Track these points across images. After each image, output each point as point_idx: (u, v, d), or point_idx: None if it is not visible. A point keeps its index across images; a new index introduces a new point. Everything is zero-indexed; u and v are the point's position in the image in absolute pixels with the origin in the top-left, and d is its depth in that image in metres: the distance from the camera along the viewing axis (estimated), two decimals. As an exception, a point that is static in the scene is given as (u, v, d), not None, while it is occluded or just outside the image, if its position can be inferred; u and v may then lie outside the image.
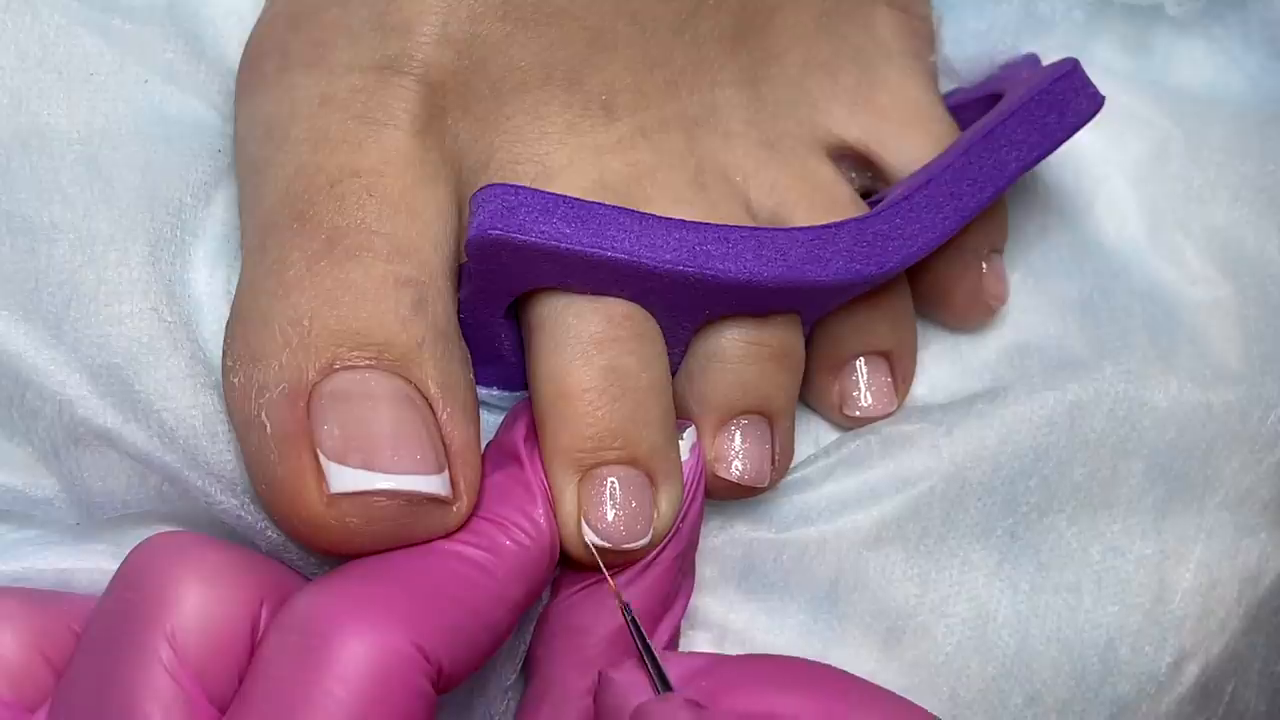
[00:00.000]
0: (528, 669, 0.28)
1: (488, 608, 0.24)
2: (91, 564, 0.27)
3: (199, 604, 0.23)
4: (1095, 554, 0.31)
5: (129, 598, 0.23)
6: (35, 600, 0.25)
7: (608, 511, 0.26)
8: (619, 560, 0.27)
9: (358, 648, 0.22)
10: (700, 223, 0.27)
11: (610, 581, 0.27)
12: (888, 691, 0.25)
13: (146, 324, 0.26)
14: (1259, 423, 0.31)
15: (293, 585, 0.25)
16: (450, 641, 0.23)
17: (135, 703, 0.22)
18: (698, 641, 0.30)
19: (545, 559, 0.26)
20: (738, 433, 0.29)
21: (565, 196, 0.27)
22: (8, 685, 0.24)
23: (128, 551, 0.25)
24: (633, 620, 0.26)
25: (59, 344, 0.26)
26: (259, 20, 0.30)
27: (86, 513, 0.27)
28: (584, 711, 0.26)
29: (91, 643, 0.24)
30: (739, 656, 0.27)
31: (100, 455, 0.26)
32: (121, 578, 0.24)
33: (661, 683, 0.25)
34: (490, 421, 0.30)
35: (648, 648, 0.25)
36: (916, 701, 0.29)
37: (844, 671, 0.25)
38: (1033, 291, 0.34)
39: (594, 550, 0.27)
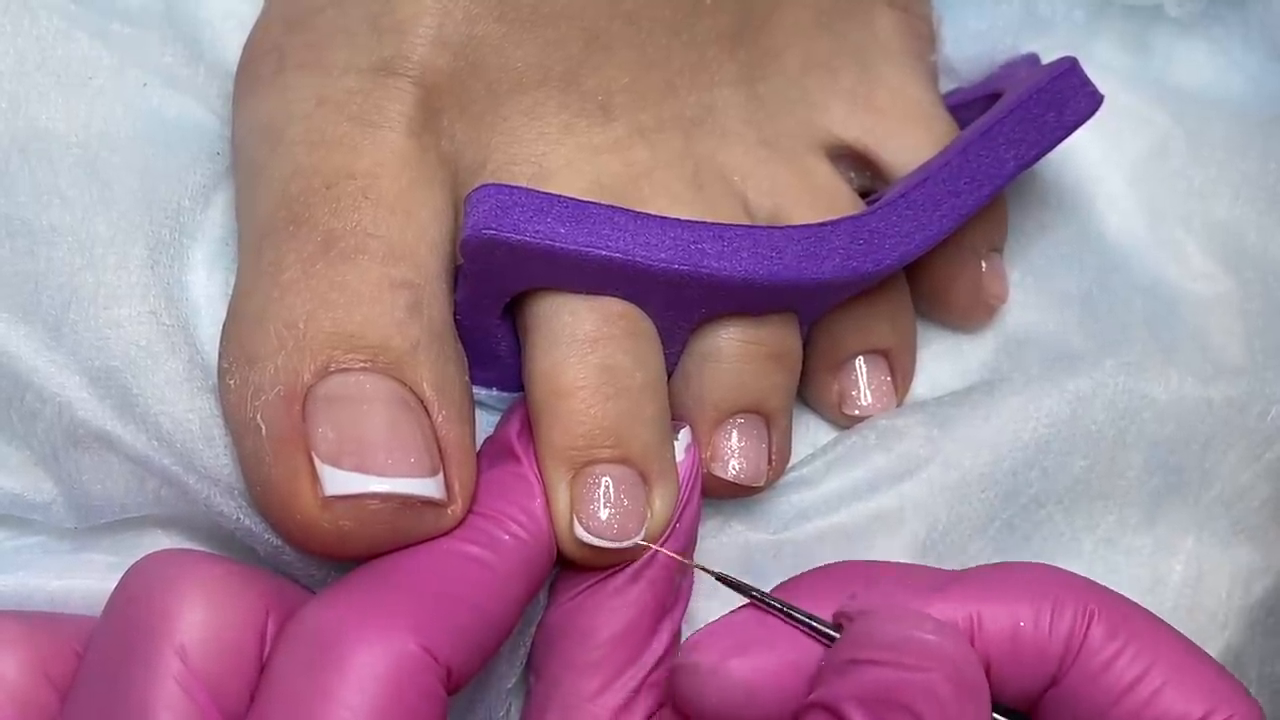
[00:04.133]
0: (531, 674, 0.28)
1: (490, 604, 0.25)
2: (87, 580, 0.27)
3: (206, 617, 0.23)
4: (1088, 544, 0.31)
5: (134, 614, 0.23)
6: (36, 622, 0.25)
7: (600, 509, 0.26)
8: (613, 560, 0.27)
9: (369, 655, 0.22)
10: (696, 221, 0.27)
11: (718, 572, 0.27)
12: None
13: (145, 327, 0.27)
14: (1259, 418, 0.31)
15: (295, 597, 0.25)
16: (457, 641, 0.23)
17: (151, 717, 0.22)
18: (699, 644, 0.30)
19: (544, 551, 0.26)
20: (734, 432, 0.29)
21: (560, 196, 0.27)
22: (14, 709, 0.24)
23: (126, 560, 0.25)
24: (758, 593, 0.26)
25: (58, 346, 0.26)
26: (257, 23, 0.30)
27: (85, 516, 0.27)
28: (593, 716, 0.26)
29: (98, 661, 0.24)
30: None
31: (99, 458, 0.26)
32: (124, 594, 0.24)
33: (816, 631, 0.25)
34: (488, 422, 0.30)
35: (786, 608, 0.26)
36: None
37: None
38: (1033, 289, 0.34)
39: (581, 545, 0.27)
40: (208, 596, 0.23)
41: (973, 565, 0.30)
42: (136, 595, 0.24)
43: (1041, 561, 0.28)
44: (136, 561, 0.25)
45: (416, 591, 0.24)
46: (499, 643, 0.25)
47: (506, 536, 0.26)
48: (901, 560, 0.30)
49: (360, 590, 0.24)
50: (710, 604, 0.30)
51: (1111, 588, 0.30)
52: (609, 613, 0.27)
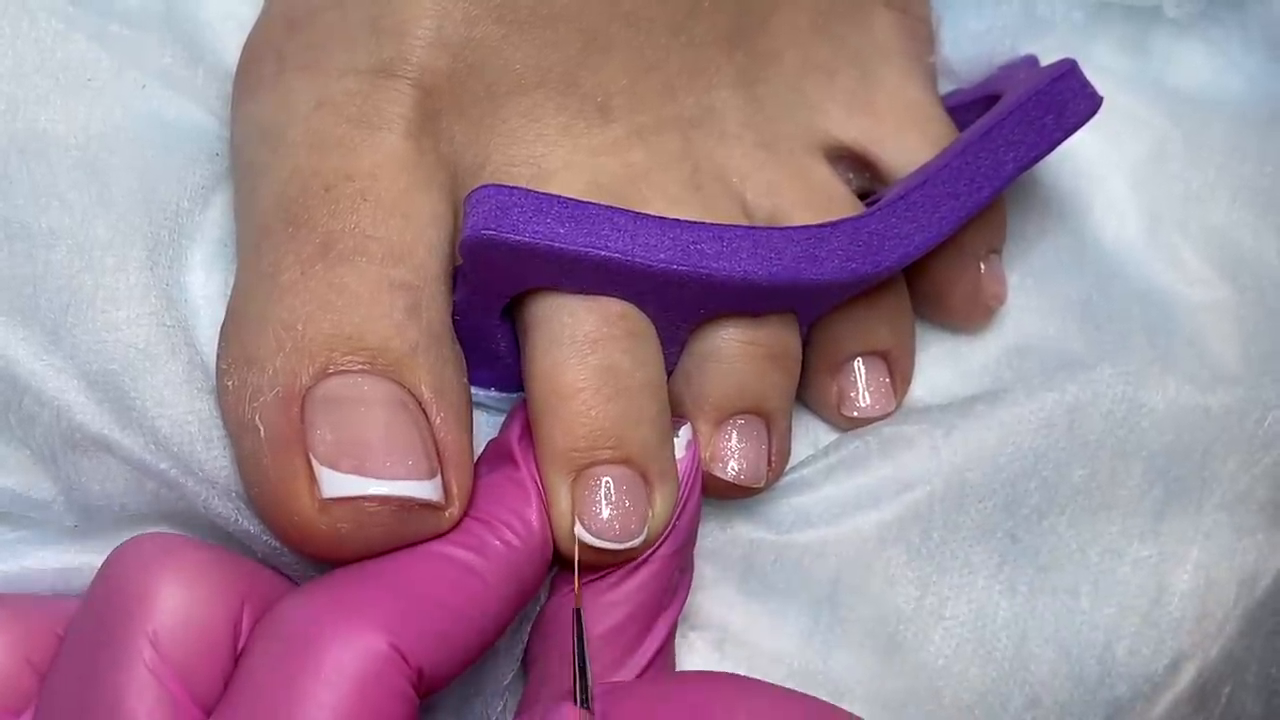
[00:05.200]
0: (526, 668, 0.28)
1: (474, 609, 0.24)
2: (90, 562, 0.27)
3: (180, 605, 0.23)
4: (1094, 556, 0.31)
5: (111, 599, 0.23)
6: (17, 605, 0.25)
7: (602, 511, 0.26)
8: (613, 560, 0.27)
9: (337, 652, 0.22)
10: (695, 222, 0.27)
11: (577, 584, 0.27)
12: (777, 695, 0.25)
13: (144, 330, 0.27)
14: (1256, 424, 0.31)
15: (276, 587, 0.25)
16: (433, 644, 0.23)
17: (120, 703, 0.22)
18: (697, 643, 0.30)
19: (537, 559, 0.26)
20: (734, 432, 0.29)
21: (559, 196, 0.27)
22: None
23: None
24: (578, 629, 0.26)
25: (56, 349, 0.26)
26: (256, 24, 0.30)
27: (85, 515, 0.27)
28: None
29: (74, 645, 0.24)
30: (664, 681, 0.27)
31: (98, 460, 0.26)
32: (102, 579, 0.24)
33: (584, 697, 0.25)
34: (487, 423, 0.30)
35: (582, 658, 0.26)
36: (920, 706, 0.30)
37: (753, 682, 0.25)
38: (1032, 292, 0.34)
39: (582, 546, 0.27)
40: (182, 584, 0.23)
41: (976, 575, 0.31)
42: (114, 579, 0.24)
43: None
44: (119, 545, 0.25)
45: (393, 591, 0.24)
46: (482, 647, 0.25)
47: (497, 542, 0.26)
48: (903, 565, 0.30)
49: (337, 587, 0.24)
50: (710, 603, 0.30)
51: (1110, 600, 0.31)
52: (604, 608, 0.27)
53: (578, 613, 0.26)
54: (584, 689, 0.25)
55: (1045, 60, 0.33)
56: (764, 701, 0.24)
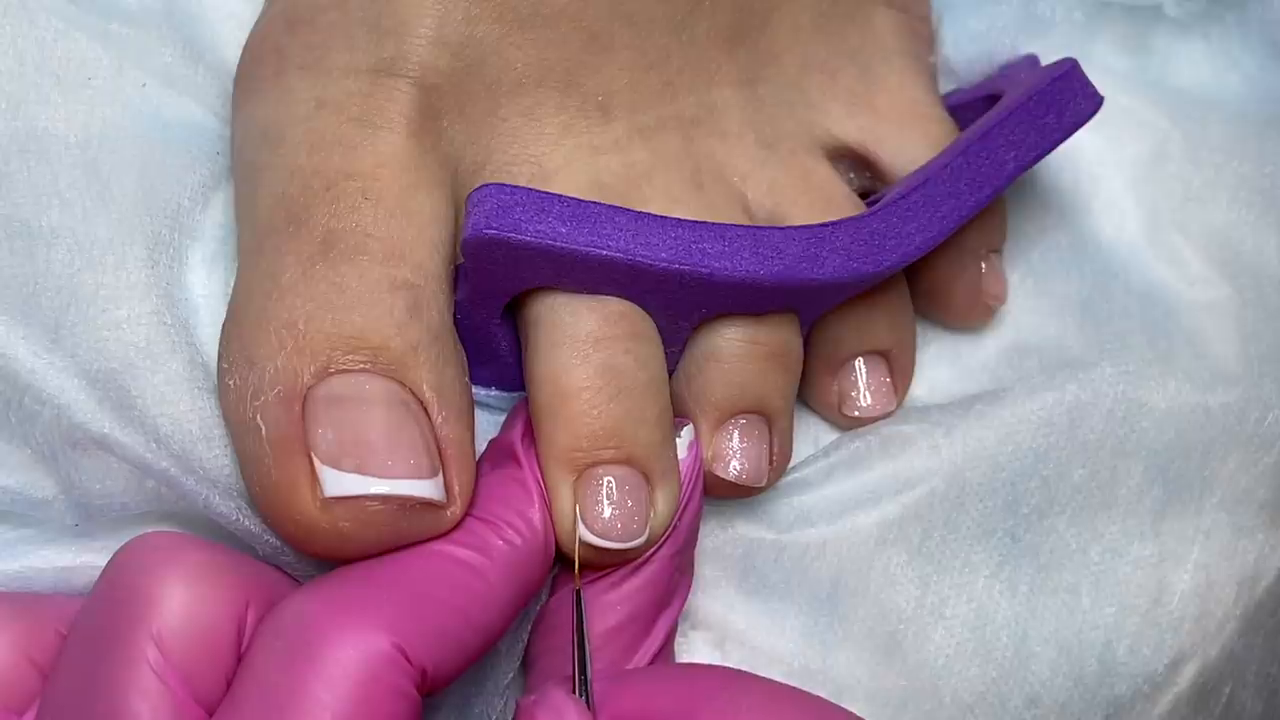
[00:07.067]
0: (526, 668, 0.28)
1: (475, 609, 0.24)
2: (91, 561, 0.27)
3: (184, 605, 0.23)
4: (1094, 555, 0.31)
5: (115, 598, 0.24)
6: (19, 604, 0.25)
7: (604, 510, 0.26)
8: (615, 560, 0.27)
9: (340, 651, 0.22)
10: (696, 221, 0.27)
11: (577, 569, 0.27)
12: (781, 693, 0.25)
13: (144, 329, 0.27)
14: (1256, 424, 0.31)
15: (279, 587, 0.25)
16: (435, 644, 0.23)
17: (123, 703, 0.22)
18: (697, 642, 0.31)
19: (539, 559, 0.26)
20: (735, 432, 0.29)
21: (560, 195, 0.27)
22: None
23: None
24: (578, 614, 0.26)
25: (57, 348, 0.26)
26: (256, 23, 0.30)
27: (85, 514, 0.27)
28: (582, 709, 0.26)
29: (78, 644, 0.24)
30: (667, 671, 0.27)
31: (98, 459, 0.26)
32: (107, 578, 0.24)
33: (582, 685, 0.25)
34: (488, 421, 0.30)
35: (582, 645, 0.26)
36: (920, 705, 0.30)
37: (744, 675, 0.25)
38: (1032, 292, 0.34)
39: (584, 546, 0.27)
40: (187, 584, 0.23)
41: (976, 574, 0.31)
42: (118, 579, 0.24)
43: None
44: (124, 544, 0.25)
45: (395, 591, 0.24)
46: (484, 647, 0.25)
47: (500, 542, 0.26)
48: (903, 565, 0.30)
49: (339, 587, 0.24)
50: (710, 602, 0.30)
51: (1110, 600, 0.31)
52: (604, 608, 0.27)
53: (578, 595, 0.26)
54: (582, 673, 0.25)
55: (1046, 59, 0.33)
56: (764, 696, 0.24)
